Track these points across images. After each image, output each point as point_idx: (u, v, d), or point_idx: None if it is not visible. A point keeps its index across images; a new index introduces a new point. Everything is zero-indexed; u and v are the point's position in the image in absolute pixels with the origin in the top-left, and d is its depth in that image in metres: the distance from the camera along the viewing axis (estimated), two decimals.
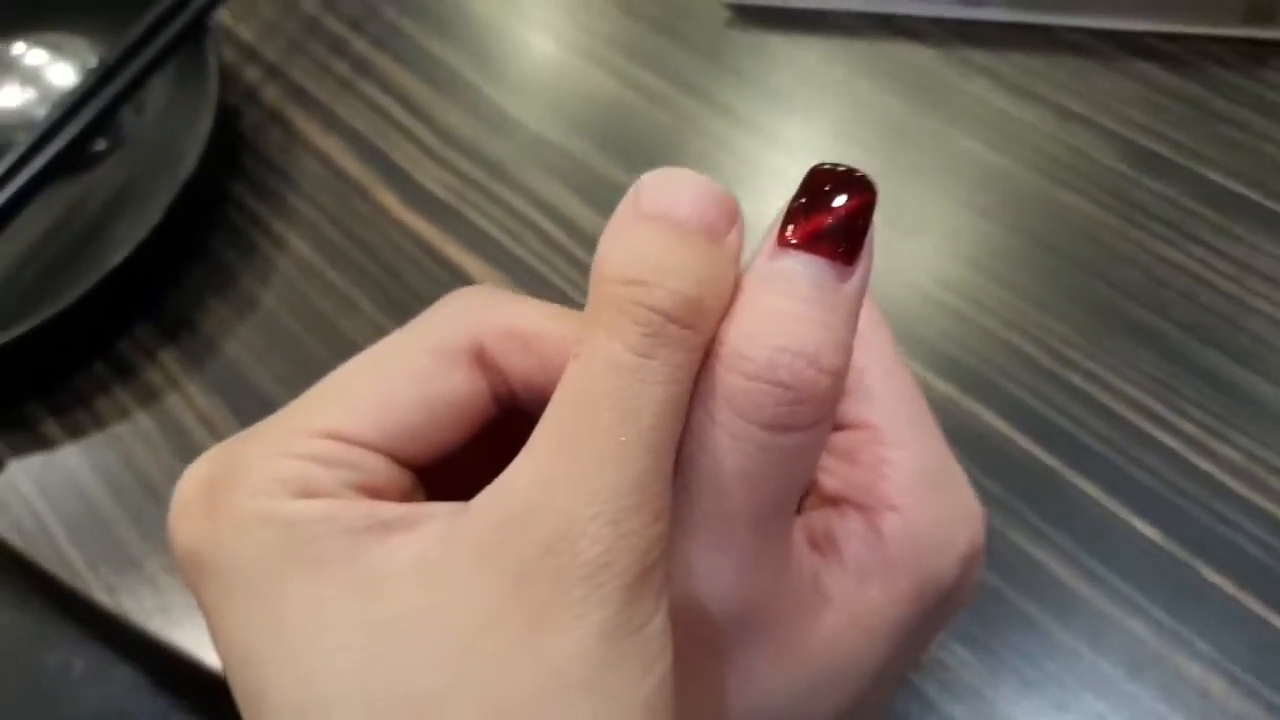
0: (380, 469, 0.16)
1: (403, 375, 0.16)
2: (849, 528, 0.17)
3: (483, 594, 0.13)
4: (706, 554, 0.15)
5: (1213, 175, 0.35)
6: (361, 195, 0.39)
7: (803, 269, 0.14)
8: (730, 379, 0.14)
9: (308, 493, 0.15)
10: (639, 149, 0.38)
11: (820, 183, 0.15)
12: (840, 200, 0.15)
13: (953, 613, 0.19)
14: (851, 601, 0.16)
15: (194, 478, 0.16)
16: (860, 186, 0.15)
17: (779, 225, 0.15)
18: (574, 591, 0.13)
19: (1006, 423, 0.31)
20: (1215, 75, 0.37)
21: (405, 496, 0.16)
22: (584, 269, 0.35)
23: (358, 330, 0.35)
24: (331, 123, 0.41)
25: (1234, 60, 0.38)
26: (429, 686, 0.13)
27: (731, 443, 0.14)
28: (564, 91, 0.41)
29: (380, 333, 0.17)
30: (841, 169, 0.15)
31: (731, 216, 0.15)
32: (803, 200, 0.15)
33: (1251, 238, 0.33)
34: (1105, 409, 0.31)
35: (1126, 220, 0.34)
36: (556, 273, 0.36)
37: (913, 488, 0.17)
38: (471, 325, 0.17)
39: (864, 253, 0.15)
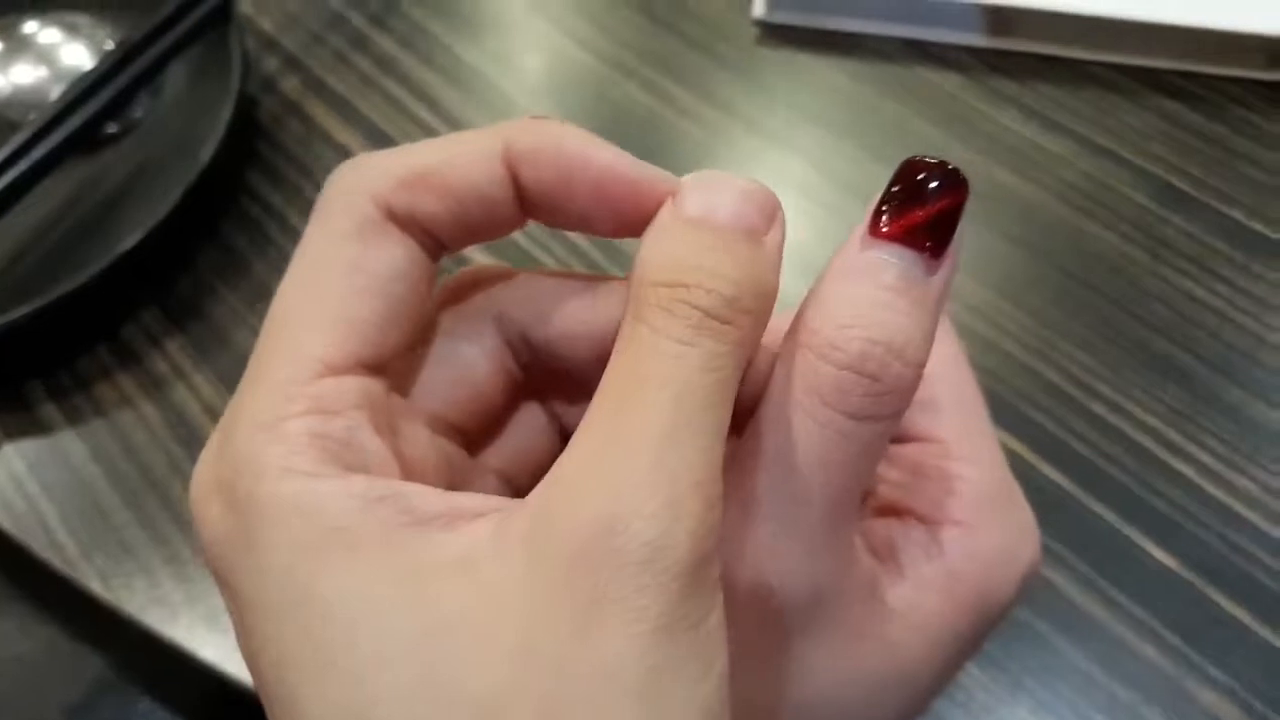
0: (378, 393, 0.16)
1: (340, 275, 0.16)
2: (911, 537, 0.18)
3: (537, 586, 0.13)
4: (780, 538, 0.16)
5: (1235, 214, 0.38)
6: None
7: (895, 261, 0.15)
8: (821, 367, 0.15)
9: (326, 459, 0.15)
10: (664, 160, 0.40)
11: (914, 173, 0.16)
12: (933, 193, 0.16)
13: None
14: (911, 609, 0.17)
15: (205, 470, 0.16)
16: (954, 181, 0.16)
17: (871, 215, 0.16)
18: (630, 580, 0.13)
19: (1026, 447, 0.33)
20: (1238, 116, 0.40)
21: (397, 412, 0.17)
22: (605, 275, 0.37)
23: None
24: (351, 116, 0.43)
25: (1256, 102, 0.41)
26: (488, 688, 0.13)
27: (815, 428, 0.15)
28: (591, 100, 0.43)
29: None
30: (936, 161, 0.16)
31: (771, 215, 0.16)
32: (896, 189, 0.16)
33: (1272, 276, 0.36)
34: (1124, 437, 0.33)
35: (1151, 254, 0.37)
36: None
37: (981, 505, 0.19)
38: (367, 192, 0.16)
39: (952, 248, 0.16)
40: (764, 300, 0.16)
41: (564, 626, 0.13)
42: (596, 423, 0.14)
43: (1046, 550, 0.31)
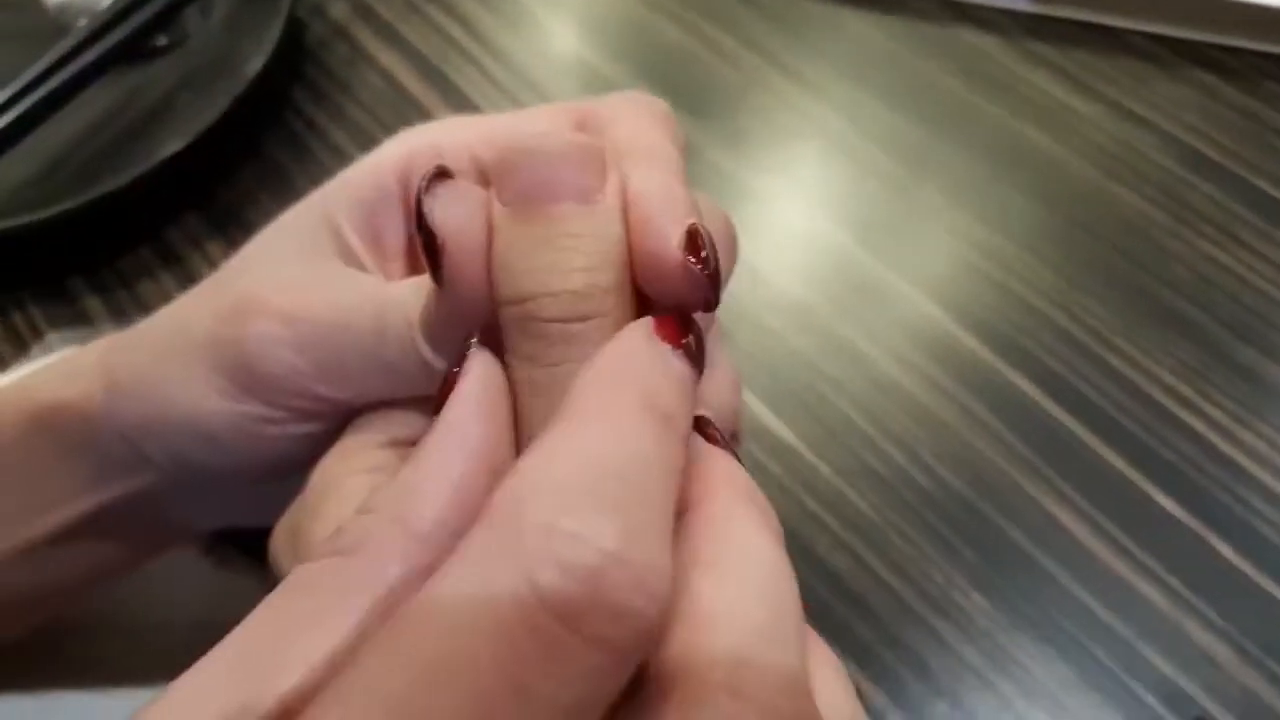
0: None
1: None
2: None
3: None
4: None
5: (1261, 184, 0.39)
6: (420, 113, 0.42)
7: None
8: None
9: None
10: (702, 99, 0.42)
11: None
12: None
13: None
14: None
15: (279, 532, 0.18)
16: None
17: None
18: None
19: (1042, 391, 0.34)
20: (1272, 91, 0.41)
21: None
22: None
23: None
24: (395, 42, 0.44)
25: None
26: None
27: None
28: (633, 38, 0.44)
29: None
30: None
31: (600, 169, 0.16)
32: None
33: None
34: (1137, 388, 0.34)
35: (1175, 217, 0.38)
36: None
37: None
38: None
39: None
40: (618, 257, 0.16)
41: None
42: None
43: (1054, 489, 0.32)
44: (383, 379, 0.19)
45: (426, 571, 0.13)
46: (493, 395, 0.16)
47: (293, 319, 0.20)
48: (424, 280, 0.19)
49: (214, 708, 0.12)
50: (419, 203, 0.16)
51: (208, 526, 0.27)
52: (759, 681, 0.13)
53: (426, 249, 0.16)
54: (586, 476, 0.13)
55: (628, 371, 0.15)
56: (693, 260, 0.16)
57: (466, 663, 0.11)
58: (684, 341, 0.15)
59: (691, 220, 0.16)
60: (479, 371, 0.16)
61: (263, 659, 0.13)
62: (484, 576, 0.12)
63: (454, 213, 0.16)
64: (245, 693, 0.12)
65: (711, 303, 0.17)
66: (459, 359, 0.16)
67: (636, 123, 0.20)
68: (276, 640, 0.13)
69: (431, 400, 0.16)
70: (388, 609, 0.13)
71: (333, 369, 0.20)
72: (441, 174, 0.17)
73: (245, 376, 0.20)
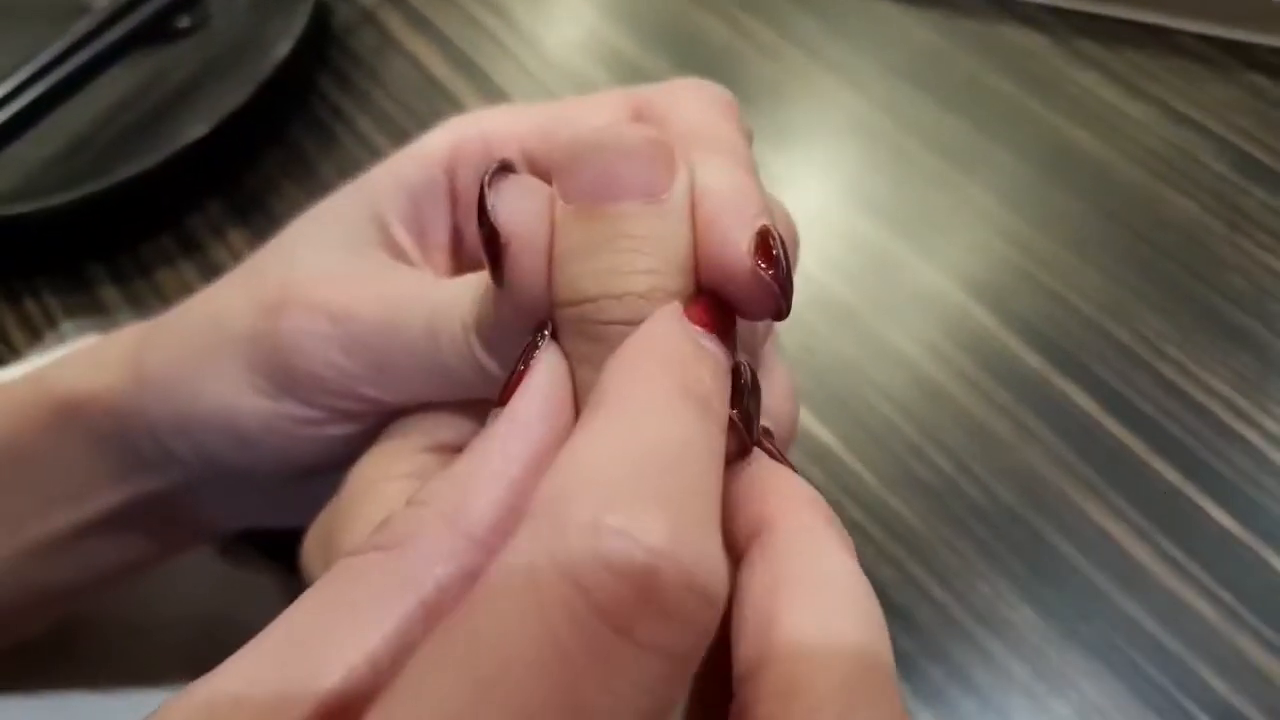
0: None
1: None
2: None
3: None
4: None
5: None
6: (449, 101, 0.41)
7: None
8: None
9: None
10: (740, 92, 0.40)
11: None
12: None
13: None
14: None
15: (311, 537, 0.18)
16: None
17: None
18: None
19: (1093, 400, 0.33)
20: None
21: None
22: None
23: None
24: (425, 28, 0.43)
25: None
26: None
27: None
28: (669, 29, 0.43)
29: None
30: None
31: (669, 165, 0.15)
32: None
33: None
34: (1191, 399, 0.33)
35: (1229, 224, 0.37)
36: None
37: None
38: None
39: None
40: (683, 255, 0.15)
41: None
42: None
43: (1106, 502, 0.32)
44: (433, 381, 0.19)
45: (475, 573, 0.12)
46: (560, 392, 0.15)
47: (339, 316, 0.19)
48: (476, 279, 0.18)
49: (253, 701, 0.12)
50: (482, 198, 0.15)
51: (233, 527, 0.26)
52: (869, 704, 0.12)
53: (488, 247, 0.15)
54: (629, 468, 0.12)
55: (663, 357, 0.14)
56: (763, 265, 0.15)
57: (517, 680, 0.10)
58: (717, 326, 0.15)
59: (763, 222, 0.15)
60: (549, 364, 0.15)
61: (303, 655, 0.12)
62: (530, 582, 0.11)
63: (519, 209, 0.15)
64: (285, 688, 0.12)
65: (783, 311, 0.16)
66: (526, 353, 0.16)
67: (701, 112, 0.19)
68: (317, 637, 0.12)
69: (478, 403, 0.16)
70: (434, 610, 0.13)
71: (382, 370, 0.19)
72: (505, 168, 0.16)
73: (284, 375, 0.19)
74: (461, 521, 0.13)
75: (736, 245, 0.15)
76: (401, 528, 0.14)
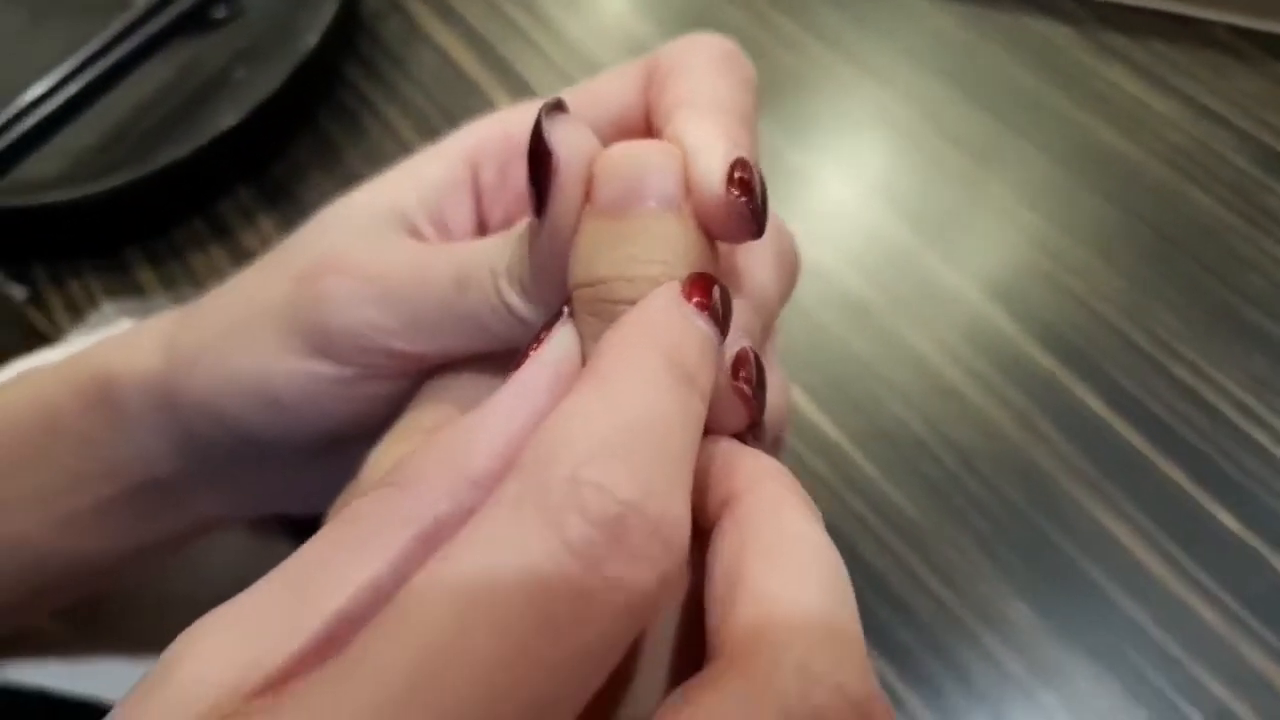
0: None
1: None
2: None
3: None
4: None
5: None
6: (475, 92, 0.42)
7: None
8: None
9: None
10: (764, 85, 0.41)
11: None
12: None
13: None
14: None
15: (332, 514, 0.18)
16: None
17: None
18: None
19: (1102, 399, 0.33)
20: None
21: None
22: None
23: None
24: (453, 19, 0.44)
25: None
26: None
27: None
28: (695, 22, 0.44)
29: None
30: None
31: (679, 177, 0.17)
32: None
33: None
34: (1202, 400, 0.33)
35: (1251, 222, 0.37)
36: None
37: None
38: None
39: None
40: (701, 254, 0.17)
41: None
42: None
43: (1112, 504, 0.32)
44: (463, 331, 0.20)
45: (472, 511, 0.14)
46: (567, 366, 0.16)
47: (372, 276, 0.20)
48: (503, 236, 0.19)
49: (265, 628, 0.13)
50: (538, 124, 0.17)
51: (253, 514, 0.27)
52: (829, 660, 0.13)
53: (536, 171, 0.17)
54: (610, 431, 0.14)
55: (653, 330, 0.15)
56: (736, 193, 0.17)
57: (501, 600, 0.12)
58: (710, 303, 0.16)
59: (737, 154, 0.17)
60: (561, 340, 0.17)
61: (311, 582, 0.14)
62: (516, 521, 0.13)
63: (570, 136, 0.17)
64: (294, 614, 0.13)
65: (757, 234, 0.17)
66: (543, 330, 0.17)
67: (702, 74, 0.20)
68: (324, 564, 0.14)
69: (495, 385, 0.17)
70: (432, 542, 0.14)
71: (413, 323, 0.20)
72: (560, 106, 0.18)
73: (319, 335, 0.20)
74: (463, 467, 0.15)
75: (710, 174, 0.17)
76: (408, 469, 0.15)
